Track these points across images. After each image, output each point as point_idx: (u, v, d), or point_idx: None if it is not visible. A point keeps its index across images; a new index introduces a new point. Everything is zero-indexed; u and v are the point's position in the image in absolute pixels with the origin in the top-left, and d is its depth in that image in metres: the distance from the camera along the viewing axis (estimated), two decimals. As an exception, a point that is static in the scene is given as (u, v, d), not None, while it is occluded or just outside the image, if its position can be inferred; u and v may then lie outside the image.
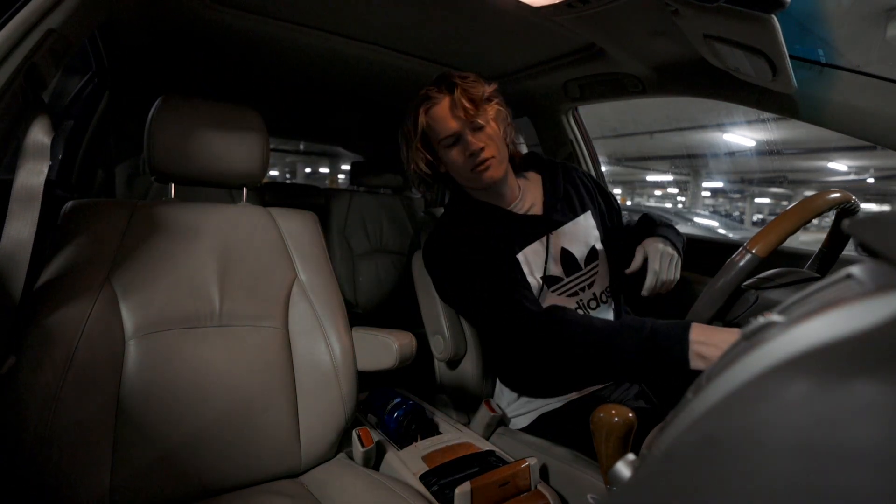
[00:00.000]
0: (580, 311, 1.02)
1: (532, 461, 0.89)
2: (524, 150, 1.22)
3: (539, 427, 1.05)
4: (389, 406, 1.10)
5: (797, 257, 1.10)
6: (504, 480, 0.86)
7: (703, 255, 1.37)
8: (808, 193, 0.83)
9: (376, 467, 0.98)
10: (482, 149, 0.95)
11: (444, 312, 1.12)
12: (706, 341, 0.71)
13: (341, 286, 1.20)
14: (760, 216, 15.06)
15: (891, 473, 0.10)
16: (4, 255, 0.65)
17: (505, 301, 0.92)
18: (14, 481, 0.66)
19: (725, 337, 0.71)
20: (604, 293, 1.06)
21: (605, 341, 0.80)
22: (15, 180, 0.67)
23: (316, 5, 1.06)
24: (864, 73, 0.86)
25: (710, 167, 11.92)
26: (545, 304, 0.98)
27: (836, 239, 0.95)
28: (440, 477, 0.91)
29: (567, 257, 1.03)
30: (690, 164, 11.76)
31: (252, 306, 0.89)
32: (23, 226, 0.66)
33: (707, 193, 15.57)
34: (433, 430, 1.11)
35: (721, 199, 17.07)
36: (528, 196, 1.08)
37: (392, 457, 0.99)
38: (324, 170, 15.09)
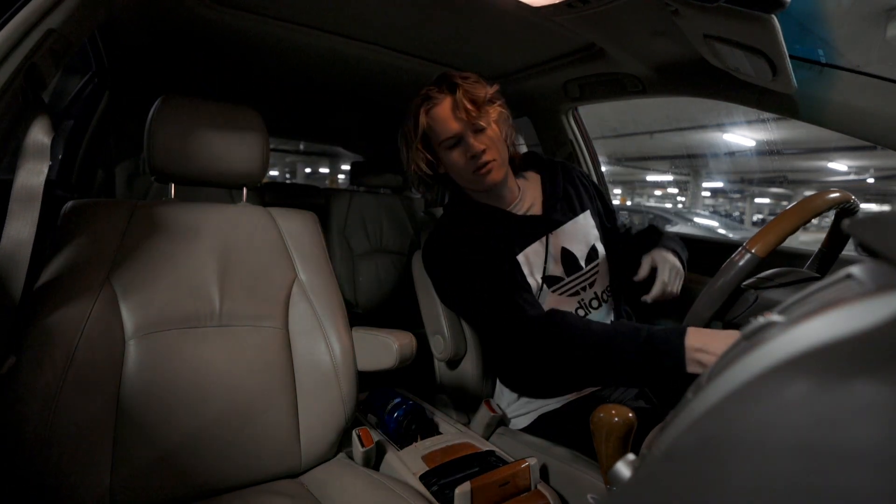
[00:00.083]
0: (581, 312, 1.02)
1: (532, 461, 0.89)
2: (523, 150, 1.22)
3: (539, 427, 1.05)
4: (389, 406, 1.10)
5: (797, 257, 1.10)
6: (504, 480, 0.86)
7: (703, 255, 1.37)
8: (808, 193, 0.83)
9: (376, 467, 0.98)
10: (483, 151, 0.94)
11: (444, 312, 1.12)
12: (703, 348, 0.72)
13: (341, 286, 1.20)
14: (760, 216, 15.06)
15: (891, 473, 0.10)
16: (4, 255, 0.65)
17: (504, 304, 0.92)
18: (14, 481, 0.66)
19: (722, 342, 0.71)
20: (605, 292, 1.06)
21: (602, 347, 0.80)
22: (15, 180, 0.67)
23: (316, 5, 1.06)
24: (864, 73, 0.86)
25: (710, 167, 11.92)
26: (546, 305, 0.98)
27: (835, 239, 0.95)
28: (440, 477, 0.91)
29: (567, 257, 1.03)
30: (690, 164, 11.76)
31: (252, 306, 0.89)
32: (23, 226, 0.66)
33: (707, 193, 15.56)
34: (433, 430, 1.11)
35: (721, 199, 17.06)
36: (527, 196, 1.07)
37: (392, 457, 0.99)
38: (324, 170, 15.09)
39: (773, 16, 0.72)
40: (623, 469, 0.28)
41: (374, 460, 0.96)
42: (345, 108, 2.05)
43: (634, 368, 0.77)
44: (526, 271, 0.99)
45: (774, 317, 0.21)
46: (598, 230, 1.09)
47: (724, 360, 0.21)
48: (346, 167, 6.11)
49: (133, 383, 0.76)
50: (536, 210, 1.06)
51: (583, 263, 1.04)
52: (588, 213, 1.09)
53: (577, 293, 1.02)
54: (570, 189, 1.10)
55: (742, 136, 8.33)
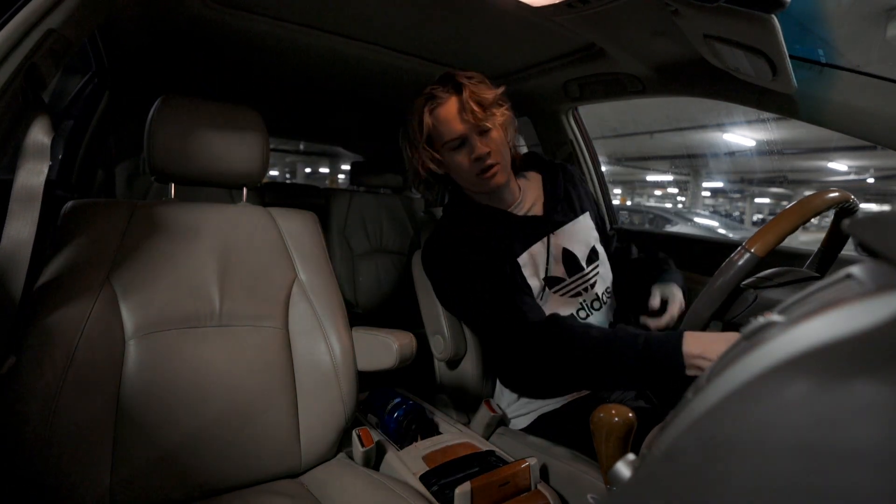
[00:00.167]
0: (583, 313, 1.02)
1: (532, 461, 0.89)
2: (523, 150, 1.22)
3: (539, 427, 1.05)
4: (389, 406, 1.10)
5: (796, 257, 1.10)
6: (504, 480, 0.86)
7: (703, 254, 1.37)
8: (808, 193, 0.83)
9: (376, 467, 0.98)
10: (488, 153, 0.94)
11: (444, 312, 1.12)
12: (702, 354, 0.72)
13: (341, 286, 1.20)
14: (760, 216, 15.05)
15: (891, 473, 0.10)
16: (4, 255, 0.65)
17: (504, 307, 0.92)
18: (14, 481, 0.66)
19: (720, 347, 0.71)
20: (605, 293, 1.06)
21: (601, 354, 0.80)
22: (15, 180, 0.67)
23: (316, 5, 1.06)
24: (864, 73, 0.86)
25: (710, 167, 11.92)
26: (549, 306, 0.98)
27: (835, 238, 0.95)
28: (440, 477, 0.90)
29: (568, 257, 1.03)
30: (690, 164, 11.76)
31: (252, 306, 0.89)
32: (23, 226, 0.66)
33: (707, 193, 15.56)
34: (433, 430, 1.11)
35: (721, 199, 17.07)
36: (528, 197, 1.07)
37: (392, 457, 0.99)
38: (324, 170, 15.09)
39: (773, 16, 0.72)
40: (623, 469, 0.28)
41: (374, 460, 0.96)
42: (345, 108, 2.05)
43: (633, 375, 0.77)
44: (527, 272, 0.98)
45: (774, 317, 0.21)
46: (598, 232, 1.10)
47: (724, 360, 0.21)
48: (346, 167, 6.10)
49: (133, 383, 0.76)
50: (537, 211, 1.06)
51: (584, 264, 1.04)
52: (588, 214, 1.10)
53: (578, 294, 1.02)
54: (571, 190, 1.10)
55: (742, 136, 8.33)
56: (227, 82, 1.67)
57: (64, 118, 1.58)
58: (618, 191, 16.48)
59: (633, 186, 17.43)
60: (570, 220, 1.06)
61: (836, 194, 0.82)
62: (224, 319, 0.86)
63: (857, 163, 10.30)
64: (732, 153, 9.74)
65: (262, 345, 0.88)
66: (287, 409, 0.87)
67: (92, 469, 0.70)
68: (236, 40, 1.25)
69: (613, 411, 0.43)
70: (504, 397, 1.11)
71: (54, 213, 0.82)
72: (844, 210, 0.85)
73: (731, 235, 6.00)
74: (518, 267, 0.98)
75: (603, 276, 1.07)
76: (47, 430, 0.68)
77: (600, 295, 1.05)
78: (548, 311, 0.96)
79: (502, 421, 1.10)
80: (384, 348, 0.94)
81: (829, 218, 0.94)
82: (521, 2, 0.91)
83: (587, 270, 1.04)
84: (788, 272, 0.90)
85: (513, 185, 1.05)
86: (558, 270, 1.01)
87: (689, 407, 0.19)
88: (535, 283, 0.98)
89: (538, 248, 1.01)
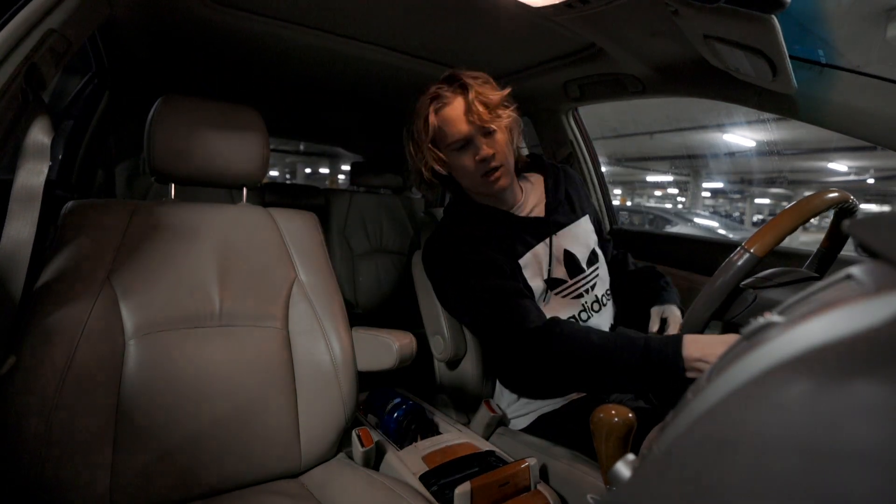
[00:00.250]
0: (585, 315, 1.02)
1: (532, 461, 0.89)
2: (525, 152, 1.22)
3: (539, 427, 1.05)
4: (389, 406, 1.10)
5: (796, 257, 1.10)
6: (504, 480, 0.86)
7: (702, 254, 1.37)
8: (808, 193, 0.83)
9: (376, 467, 0.98)
10: (493, 155, 0.93)
11: (444, 313, 1.12)
12: (702, 357, 0.72)
13: (341, 286, 1.20)
14: (760, 216, 15.05)
15: (891, 473, 0.10)
16: (4, 255, 0.65)
17: (504, 309, 0.92)
18: (14, 481, 0.66)
19: (719, 349, 0.71)
20: (605, 295, 1.07)
21: (601, 358, 0.80)
22: (15, 180, 0.67)
23: (316, 5, 1.06)
24: (864, 73, 0.86)
25: (710, 167, 11.91)
26: (550, 308, 0.98)
27: (834, 239, 0.95)
28: (440, 477, 0.91)
29: (570, 259, 1.03)
30: (690, 165, 11.76)
31: (252, 306, 0.89)
32: (23, 226, 0.66)
33: (707, 194, 15.56)
34: (433, 430, 1.11)
35: (721, 200, 17.06)
36: (530, 198, 1.07)
37: (392, 457, 0.99)
38: (324, 170, 15.09)
39: (773, 16, 0.72)
40: (623, 469, 0.28)
41: (373, 460, 0.96)
42: (345, 108, 2.05)
43: (633, 379, 0.77)
44: (529, 273, 0.98)
45: (774, 317, 0.21)
46: (597, 234, 1.10)
47: (724, 360, 0.21)
48: (346, 167, 6.11)
49: (133, 383, 0.76)
50: (539, 212, 1.06)
51: (584, 266, 1.04)
52: (587, 217, 1.10)
53: (580, 296, 1.02)
54: (572, 192, 1.10)
55: (742, 137, 8.33)
56: (227, 82, 1.67)
57: (64, 118, 1.58)
58: (618, 191, 16.48)
59: (633, 187, 17.43)
60: (572, 221, 1.06)
61: (836, 195, 0.82)
62: (224, 319, 0.86)
63: (856, 163, 10.30)
64: (732, 154, 9.74)
65: (262, 345, 0.88)
66: (287, 409, 0.87)
67: (92, 469, 0.70)
68: (236, 40, 1.25)
69: (613, 411, 0.43)
70: (504, 397, 1.11)
71: (54, 213, 0.82)
72: (844, 210, 0.85)
73: (730, 236, 6.00)
74: (519, 269, 0.98)
75: (602, 279, 1.07)
76: (47, 430, 0.68)
77: (600, 297, 1.05)
78: (550, 312, 0.96)
79: (502, 421, 1.10)
80: (384, 348, 0.94)
81: (828, 218, 0.94)
82: (521, 2, 0.91)
83: (588, 272, 1.04)
84: (788, 272, 0.90)
85: (515, 186, 1.05)
86: (560, 272, 1.01)
87: (689, 407, 0.19)
88: (536, 285, 0.98)
89: (541, 249, 1.01)
